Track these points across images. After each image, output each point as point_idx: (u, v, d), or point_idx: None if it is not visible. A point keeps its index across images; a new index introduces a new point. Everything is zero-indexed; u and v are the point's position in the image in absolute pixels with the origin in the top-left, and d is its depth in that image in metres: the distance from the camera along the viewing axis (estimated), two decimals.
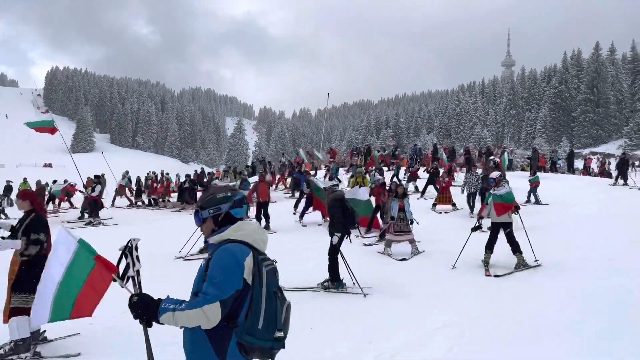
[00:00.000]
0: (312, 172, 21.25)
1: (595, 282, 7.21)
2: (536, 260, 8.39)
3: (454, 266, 8.55)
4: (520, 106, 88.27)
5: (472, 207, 13.84)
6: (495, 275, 8.02)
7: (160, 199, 19.55)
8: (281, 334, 2.22)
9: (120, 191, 21.12)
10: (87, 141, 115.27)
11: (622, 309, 5.95)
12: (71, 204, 19.85)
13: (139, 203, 20.12)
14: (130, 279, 2.66)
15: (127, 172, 22.07)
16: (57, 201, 19.79)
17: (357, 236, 11.78)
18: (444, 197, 14.87)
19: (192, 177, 18.12)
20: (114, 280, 2.89)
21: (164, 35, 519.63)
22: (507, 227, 8.43)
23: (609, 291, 6.66)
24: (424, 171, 19.07)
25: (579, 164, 40.08)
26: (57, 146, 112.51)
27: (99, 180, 15.67)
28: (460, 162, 23.20)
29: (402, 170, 21.68)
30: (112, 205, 20.24)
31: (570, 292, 6.84)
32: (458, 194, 14.75)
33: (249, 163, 42.34)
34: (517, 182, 15.77)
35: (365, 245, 10.93)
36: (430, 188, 17.09)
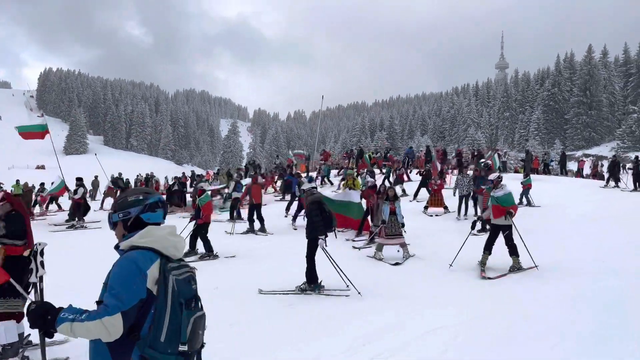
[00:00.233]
0: (304, 174, 21.19)
1: (589, 284, 7.27)
2: (536, 266, 8.28)
3: (451, 265, 8.57)
4: (513, 108, 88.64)
5: (461, 210, 13.82)
6: (489, 278, 8.02)
7: None
8: (185, 347, 2.08)
9: (108, 193, 20.97)
10: (80, 143, 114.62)
11: (615, 310, 6.01)
12: (59, 207, 19.67)
13: None
14: (32, 286, 2.52)
15: (120, 174, 21.95)
16: (44, 204, 19.53)
17: (348, 239, 11.77)
18: (435, 199, 14.84)
19: (181, 180, 17.91)
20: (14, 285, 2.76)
21: (156, 36, 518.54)
22: (506, 229, 8.40)
23: (602, 292, 6.74)
24: (416, 174, 19.05)
25: (572, 165, 40.35)
26: (50, 148, 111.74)
27: (81, 182, 15.45)
28: (452, 164, 23.22)
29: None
30: (101, 207, 20.09)
31: (563, 293, 6.89)
32: (450, 197, 14.74)
33: (242, 165, 42.25)
34: (510, 184, 15.74)
35: (355, 248, 10.86)
36: (423, 191, 17.07)
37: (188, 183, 19.84)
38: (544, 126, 79.46)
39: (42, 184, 19.65)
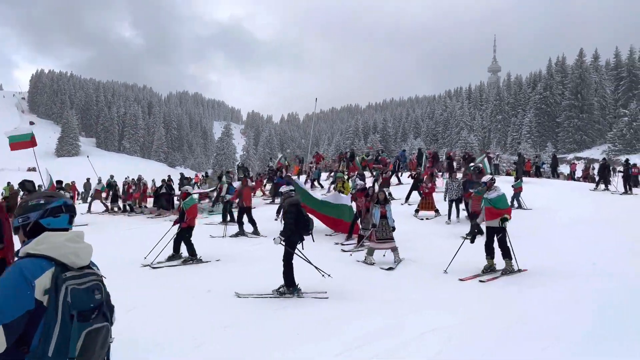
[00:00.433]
0: (295, 177, 21.13)
1: (581, 286, 7.34)
2: (519, 270, 8.32)
3: (445, 271, 8.55)
4: (506, 111, 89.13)
5: (452, 214, 13.80)
6: (480, 281, 8.04)
7: (137, 205, 19.19)
8: None
9: (96, 196, 20.79)
10: (72, 145, 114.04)
11: (608, 312, 6.05)
12: None
13: (115, 209, 19.72)
14: None
15: (111, 177, 21.72)
16: None
17: (337, 243, 11.72)
18: (426, 203, 14.81)
19: (168, 182, 17.72)
20: None
21: (148, 38, 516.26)
22: (499, 232, 8.41)
23: (593, 295, 6.82)
24: (408, 177, 19.03)
25: (564, 169, 40.56)
26: (41, 150, 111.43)
27: (61, 186, 15.28)
28: (444, 166, 23.22)
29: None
30: (89, 210, 19.92)
31: (556, 295, 6.93)
32: (441, 200, 14.72)
33: (230, 169, 42.16)
34: (501, 187, 15.78)
35: (344, 252, 10.80)
36: (415, 194, 17.03)
37: (176, 186, 19.67)
38: (536, 129, 79.95)
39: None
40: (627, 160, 21.07)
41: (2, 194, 20.84)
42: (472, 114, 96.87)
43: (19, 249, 2.08)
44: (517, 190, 15.94)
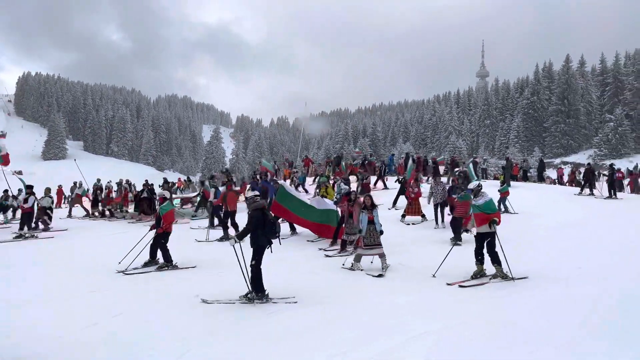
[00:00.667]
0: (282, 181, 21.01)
1: (566, 290, 7.38)
2: (512, 279, 8.16)
3: (434, 275, 8.54)
4: (494, 116, 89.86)
5: (438, 218, 13.78)
6: (470, 286, 8.03)
7: (118, 209, 18.92)
8: None
9: (76, 200, 20.49)
10: (59, 148, 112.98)
11: (594, 316, 6.09)
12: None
13: (96, 213, 19.44)
14: None
15: (98, 180, 21.44)
16: (10, 212, 18.89)
17: (321, 249, 11.64)
18: (413, 207, 14.77)
19: (150, 187, 17.47)
20: None
21: (135, 41, 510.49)
22: (488, 237, 8.39)
23: (579, 299, 6.87)
24: (395, 181, 19.02)
25: (551, 173, 40.91)
26: (27, 153, 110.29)
27: (31, 191, 15.02)
28: (429, 171, 23.23)
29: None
30: (69, 215, 19.62)
31: (543, 300, 6.94)
32: (426, 205, 14.67)
33: (214, 173, 41.98)
34: (488, 191, 15.84)
35: (327, 256, 10.72)
36: (402, 198, 16.99)
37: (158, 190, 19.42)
38: (523, 134, 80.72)
39: (6, 191, 18.84)
40: (611, 165, 21.27)
41: None
42: (461, 119, 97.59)
43: None
44: (504, 194, 15.98)
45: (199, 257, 10.51)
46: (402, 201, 16.49)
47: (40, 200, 15.89)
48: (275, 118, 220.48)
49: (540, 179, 28.47)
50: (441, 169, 23.82)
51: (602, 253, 9.98)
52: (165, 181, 20.42)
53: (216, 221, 14.79)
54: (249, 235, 7.30)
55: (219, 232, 13.56)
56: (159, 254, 9.73)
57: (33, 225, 15.54)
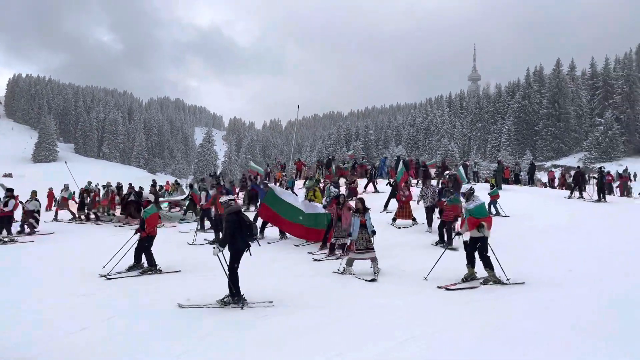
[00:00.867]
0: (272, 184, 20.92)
1: (556, 293, 7.43)
2: (507, 279, 8.22)
3: (425, 278, 8.55)
4: (485, 120, 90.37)
5: (429, 223, 13.78)
6: (461, 289, 8.04)
7: (105, 213, 18.71)
8: None
9: (63, 204, 20.26)
10: (49, 150, 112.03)
11: (583, 318, 6.11)
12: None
13: (82, 217, 19.20)
14: None
15: (89, 183, 21.13)
16: None
17: (310, 253, 11.57)
18: (404, 211, 14.75)
19: (137, 190, 17.29)
20: None
21: (127, 43, 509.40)
22: (479, 241, 8.38)
23: (569, 301, 6.93)
24: (386, 184, 19.00)
25: (542, 176, 41.17)
26: (17, 155, 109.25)
27: (12, 194, 14.83)
28: (420, 175, 23.25)
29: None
30: (55, 218, 19.39)
31: (534, 302, 6.95)
32: (417, 208, 14.67)
33: (203, 176, 41.88)
34: (479, 194, 15.88)
35: (315, 260, 10.68)
36: (394, 201, 16.97)
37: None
38: (514, 137, 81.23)
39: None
40: (601, 168, 21.38)
41: None
42: (453, 122, 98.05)
43: None
44: (494, 197, 16.01)
45: (184, 261, 10.41)
46: (393, 204, 16.49)
47: (27, 204, 15.67)
48: (267, 121, 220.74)
49: (531, 182, 28.61)
50: (432, 172, 23.81)
51: (592, 255, 10.08)
52: (154, 184, 20.24)
53: (207, 224, 14.70)
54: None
55: (207, 235, 13.47)
56: (144, 258, 9.61)
57: (19, 228, 15.33)
